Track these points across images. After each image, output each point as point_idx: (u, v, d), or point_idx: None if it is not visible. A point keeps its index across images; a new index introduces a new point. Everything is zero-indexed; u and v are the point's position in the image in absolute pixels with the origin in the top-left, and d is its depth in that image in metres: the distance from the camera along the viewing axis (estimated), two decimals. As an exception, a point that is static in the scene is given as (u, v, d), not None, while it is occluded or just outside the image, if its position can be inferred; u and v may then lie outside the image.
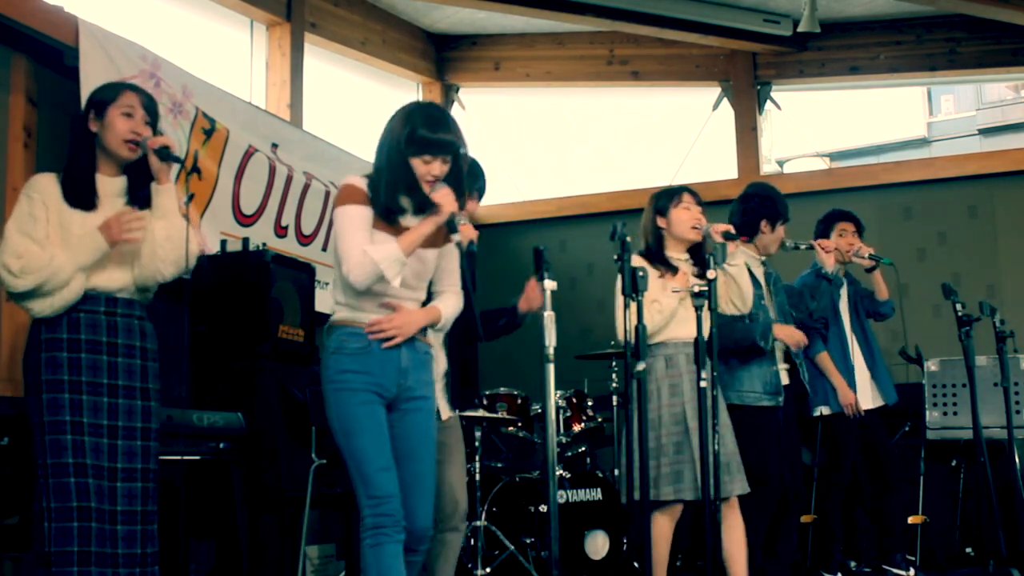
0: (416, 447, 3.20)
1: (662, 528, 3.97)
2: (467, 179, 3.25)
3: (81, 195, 3.14)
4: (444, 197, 3.07)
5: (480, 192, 3.79)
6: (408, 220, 3.13)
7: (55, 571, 2.96)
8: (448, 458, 3.79)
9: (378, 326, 3.10)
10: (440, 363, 3.51)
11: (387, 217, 3.09)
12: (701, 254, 4.09)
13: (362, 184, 3.10)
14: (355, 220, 3.06)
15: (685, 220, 4.07)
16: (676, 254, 4.12)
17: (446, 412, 3.58)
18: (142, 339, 3.23)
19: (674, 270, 4.05)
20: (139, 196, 3.23)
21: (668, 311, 3.93)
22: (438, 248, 3.21)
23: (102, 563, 3.01)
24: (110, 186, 3.21)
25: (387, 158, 3.11)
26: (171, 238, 3.20)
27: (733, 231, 3.96)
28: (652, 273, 3.91)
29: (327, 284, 5.24)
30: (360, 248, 3.00)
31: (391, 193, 3.09)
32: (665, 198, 4.14)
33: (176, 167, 3.27)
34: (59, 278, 3.05)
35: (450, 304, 3.29)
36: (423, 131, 3.07)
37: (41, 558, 2.96)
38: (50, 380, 3.06)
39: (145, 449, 3.18)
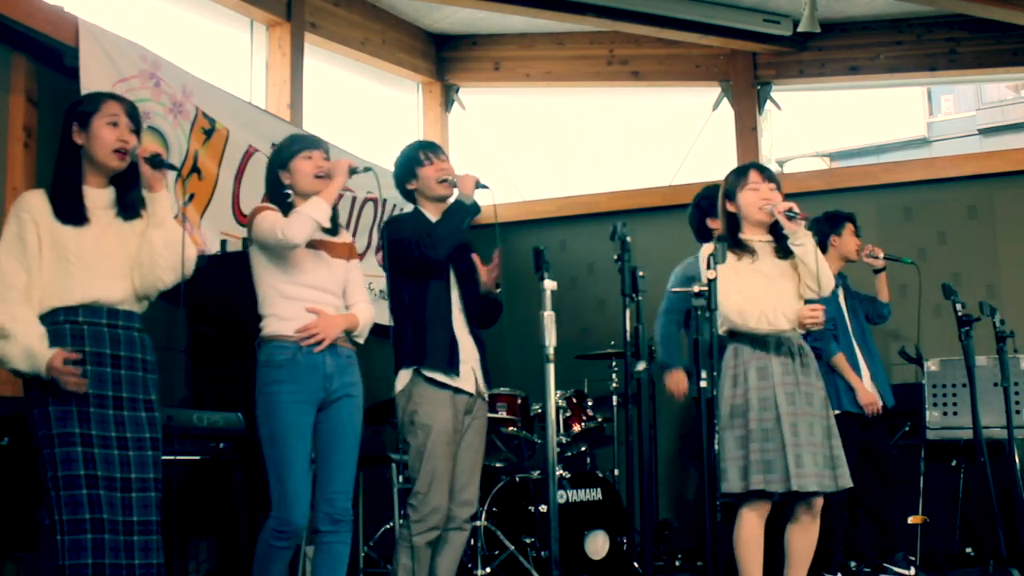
0: (340, 440, 3.51)
1: (750, 526, 3.73)
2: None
3: (71, 211, 3.12)
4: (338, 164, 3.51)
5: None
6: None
7: None
8: (465, 455, 3.80)
9: (306, 331, 3.43)
10: (468, 349, 3.77)
11: None
12: (780, 231, 3.90)
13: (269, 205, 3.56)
14: (272, 214, 3.45)
15: (753, 202, 3.87)
16: (755, 236, 3.91)
17: (483, 388, 3.86)
18: (143, 351, 3.23)
19: (752, 252, 3.86)
20: (127, 205, 3.23)
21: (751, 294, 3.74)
22: (346, 261, 3.64)
23: (116, 575, 3.01)
24: (99, 198, 3.19)
25: (268, 186, 3.60)
26: (169, 245, 3.21)
27: (796, 209, 3.75)
28: (731, 257, 3.75)
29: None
30: (281, 217, 3.40)
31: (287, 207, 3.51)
32: (732, 180, 3.92)
33: (172, 174, 3.27)
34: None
35: (365, 313, 3.64)
36: (288, 147, 3.56)
37: (54, 571, 2.94)
38: (57, 392, 3.02)
39: (155, 459, 3.19)
